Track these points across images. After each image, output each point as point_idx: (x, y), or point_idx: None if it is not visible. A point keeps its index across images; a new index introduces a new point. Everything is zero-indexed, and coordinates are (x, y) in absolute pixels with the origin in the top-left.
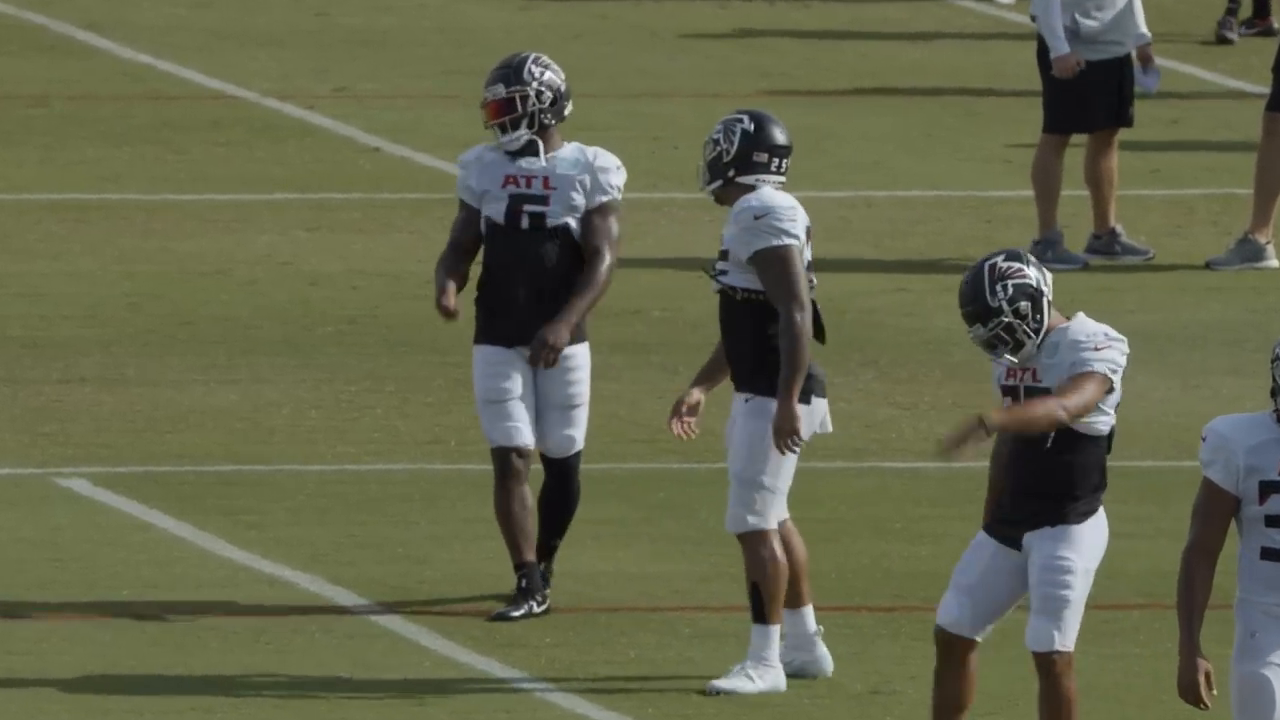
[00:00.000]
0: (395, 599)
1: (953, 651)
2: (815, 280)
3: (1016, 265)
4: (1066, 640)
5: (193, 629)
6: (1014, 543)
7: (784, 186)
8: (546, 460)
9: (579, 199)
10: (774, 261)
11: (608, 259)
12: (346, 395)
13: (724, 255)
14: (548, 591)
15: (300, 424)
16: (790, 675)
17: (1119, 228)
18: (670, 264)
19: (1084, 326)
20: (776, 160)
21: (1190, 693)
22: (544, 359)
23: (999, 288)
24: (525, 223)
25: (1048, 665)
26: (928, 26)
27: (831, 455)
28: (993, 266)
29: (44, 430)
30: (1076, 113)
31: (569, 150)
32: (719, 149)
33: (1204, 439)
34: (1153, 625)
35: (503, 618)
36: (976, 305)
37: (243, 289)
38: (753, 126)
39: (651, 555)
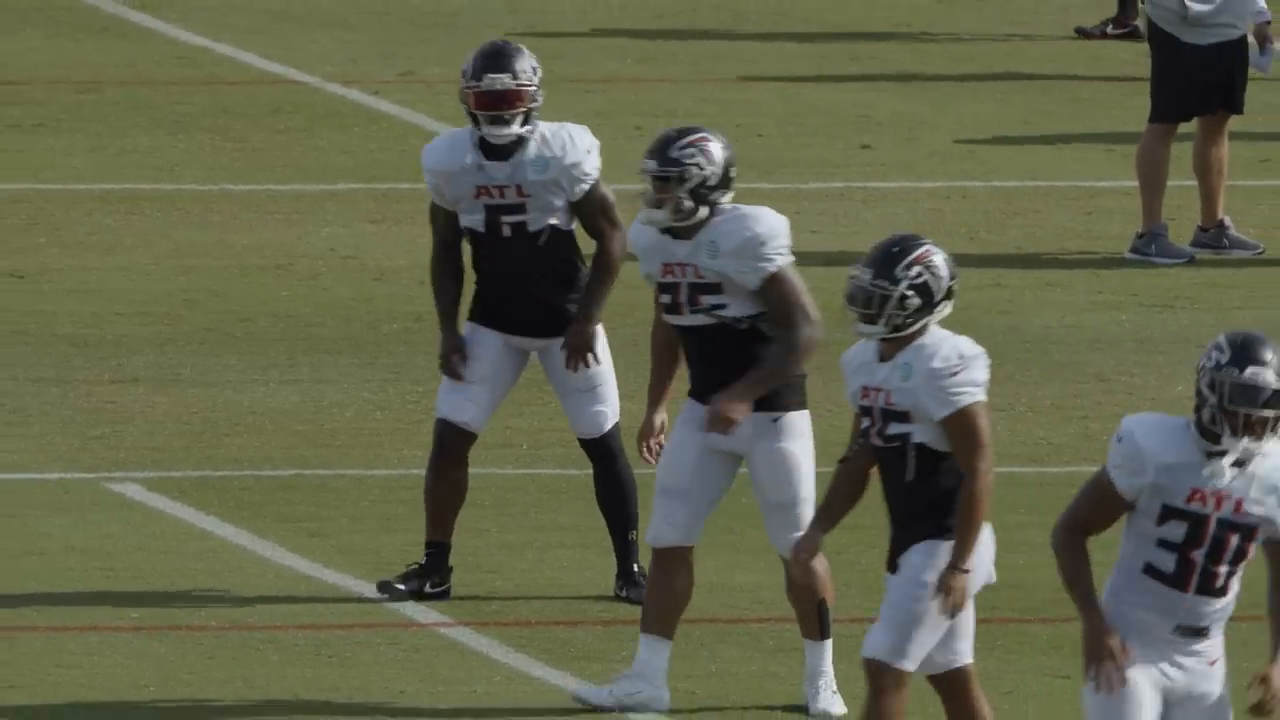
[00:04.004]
0: (465, 610)
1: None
2: None
3: (941, 261)
4: (901, 655)
5: (250, 641)
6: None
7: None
8: (585, 445)
9: (558, 200)
10: (781, 282)
11: (612, 235)
12: (413, 396)
13: (711, 287)
14: (451, 581)
15: (364, 426)
16: (629, 709)
17: (1227, 220)
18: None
19: (939, 346)
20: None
21: (1100, 650)
22: (584, 361)
23: (914, 270)
24: (507, 231)
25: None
26: (1027, 9)
27: None
28: (926, 250)
29: (95, 433)
30: (1185, 99)
31: (533, 149)
32: (703, 173)
33: (1118, 440)
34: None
35: (386, 587)
36: (882, 267)
37: (304, 284)
38: (723, 142)
39: (734, 565)
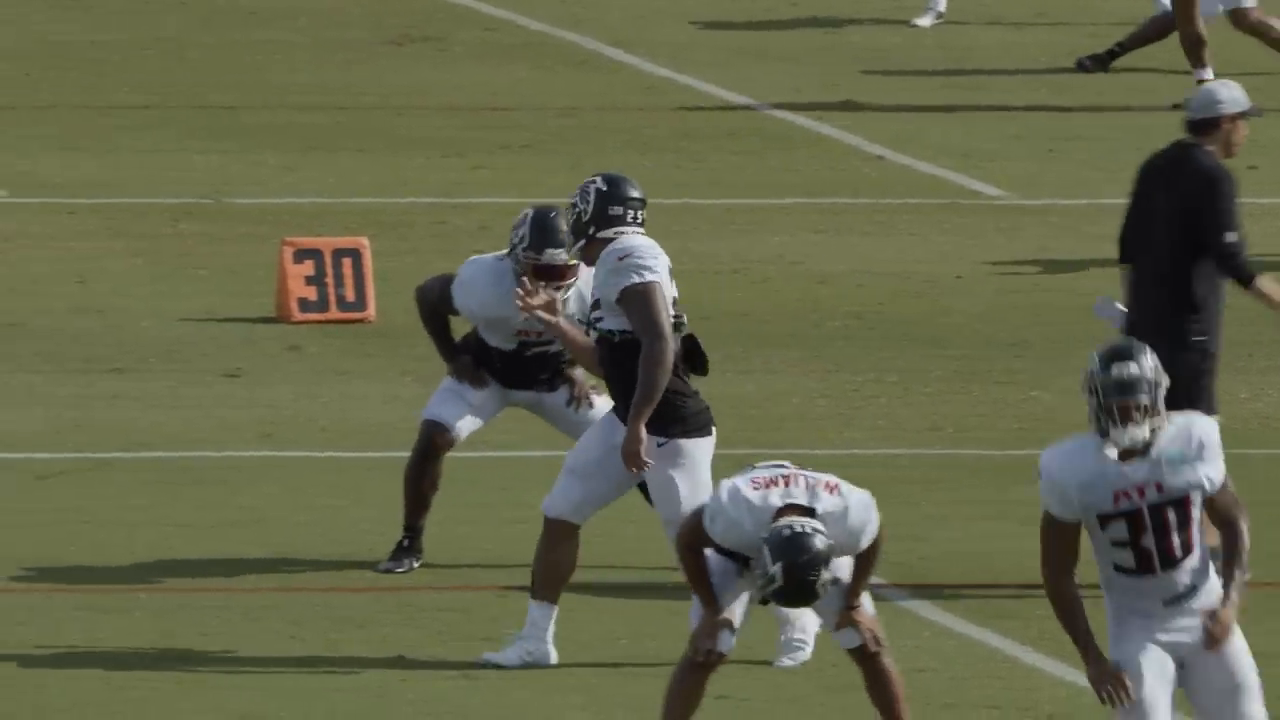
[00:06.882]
0: (896, 573)
1: None
2: (683, 316)
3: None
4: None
5: (653, 609)
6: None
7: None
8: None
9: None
10: (636, 297)
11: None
12: (852, 385)
13: (596, 304)
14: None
15: (809, 411)
16: (529, 665)
17: None
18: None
19: None
20: (632, 212)
21: (1102, 680)
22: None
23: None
24: (529, 352)
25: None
26: None
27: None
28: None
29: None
30: None
31: (573, 303)
32: (577, 210)
33: (1038, 477)
34: None
35: (389, 571)
36: None
37: (756, 287)
38: (605, 185)
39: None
